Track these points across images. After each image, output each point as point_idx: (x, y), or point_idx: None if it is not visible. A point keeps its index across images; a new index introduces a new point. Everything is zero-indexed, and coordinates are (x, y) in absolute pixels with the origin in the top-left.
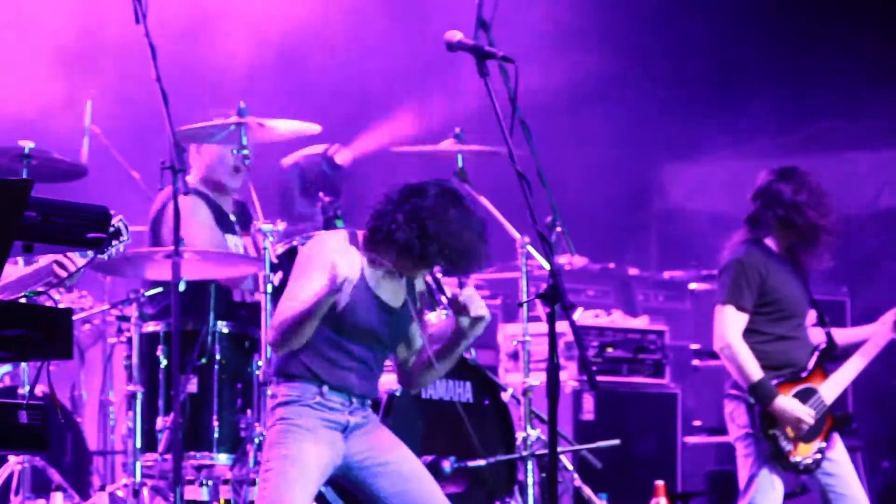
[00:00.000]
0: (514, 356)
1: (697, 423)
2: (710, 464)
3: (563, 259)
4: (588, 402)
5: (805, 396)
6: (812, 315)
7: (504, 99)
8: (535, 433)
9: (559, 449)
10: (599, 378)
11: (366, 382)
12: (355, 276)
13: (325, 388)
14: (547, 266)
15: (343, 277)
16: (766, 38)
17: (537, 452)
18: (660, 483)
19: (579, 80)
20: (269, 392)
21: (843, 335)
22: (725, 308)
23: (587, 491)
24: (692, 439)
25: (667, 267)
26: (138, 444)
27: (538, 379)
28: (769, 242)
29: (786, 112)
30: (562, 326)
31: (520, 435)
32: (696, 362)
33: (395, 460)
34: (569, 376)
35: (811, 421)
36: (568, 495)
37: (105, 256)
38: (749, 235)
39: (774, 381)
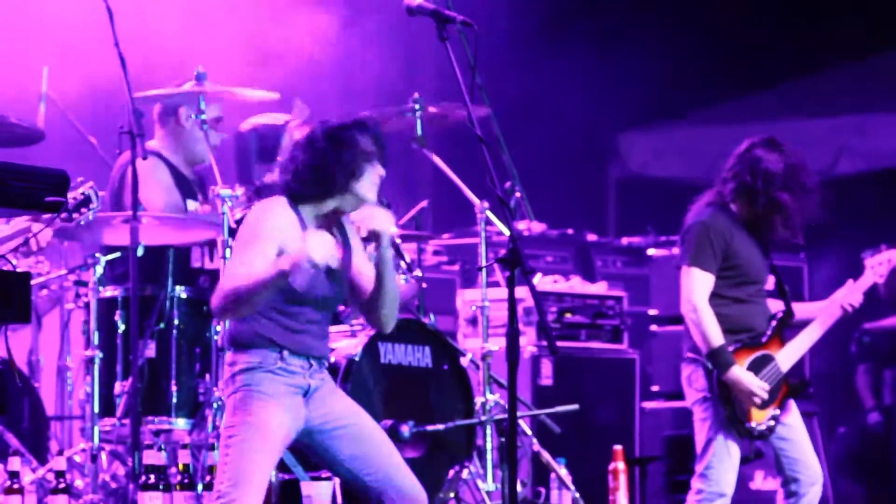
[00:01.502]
0: (473, 321)
1: (655, 388)
2: (668, 429)
3: (521, 225)
4: (546, 367)
5: (762, 363)
6: (771, 282)
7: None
8: (494, 398)
9: (518, 414)
10: (557, 343)
11: (321, 342)
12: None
13: (286, 353)
14: (506, 231)
15: (317, 260)
16: (722, 7)
17: (496, 417)
18: (618, 448)
19: (537, 46)
20: (227, 358)
21: (798, 309)
22: (692, 270)
23: (546, 456)
24: (650, 404)
25: (625, 233)
26: (96, 409)
27: (497, 344)
28: (734, 207)
29: (742, 78)
30: (520, 292)
31: (478, 400)
32: (654, 328)
33: (353, 423)
34: (527, 342)
35: (764, 395)
36: (526, 460)
37: (73, 224)
38: (715, 198)
39: (732, 347)
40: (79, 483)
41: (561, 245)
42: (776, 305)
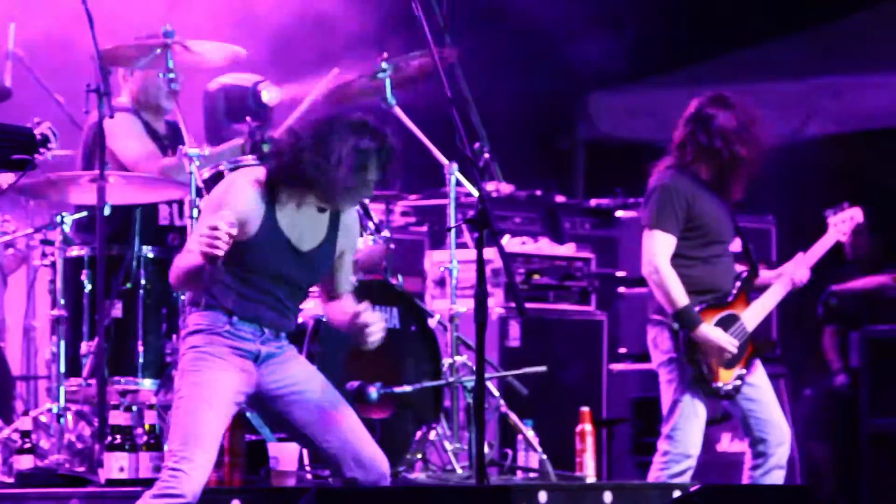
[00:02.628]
0: (441, 283)
1: (623, 350)
2: (635, 390)
3: (489, 186)
4: (514, 328)
5: (728, 323)
6: (737, 245)
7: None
8: (462, 360)
9: (485, 375)
10: (525, 305)
11: (277, 315)
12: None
13: (235, 318)
14: (475, 192)
15: (227, 231)
16: None
17: (463, 379)
18: (585, 409)
19: (506, 7)
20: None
21: (765, 275)
22: (653, 233)
23: (513, 417)
24: (617, 366)
25: (593, 195)
26: (62, 369)
27: (465, 306)
28: (696, 169)
29: (713, 39)
30: (488, 254)
31: (446, 361)
32: (622, 290)
33: (308, 390)
34: (495, 303)
35: (734, 350)
36: (493, 421)
37: (35, 166)
38: (676, 161)
39: (698, 307)
40: (44, 443)
41: (529, 206)
42: (743, 267)
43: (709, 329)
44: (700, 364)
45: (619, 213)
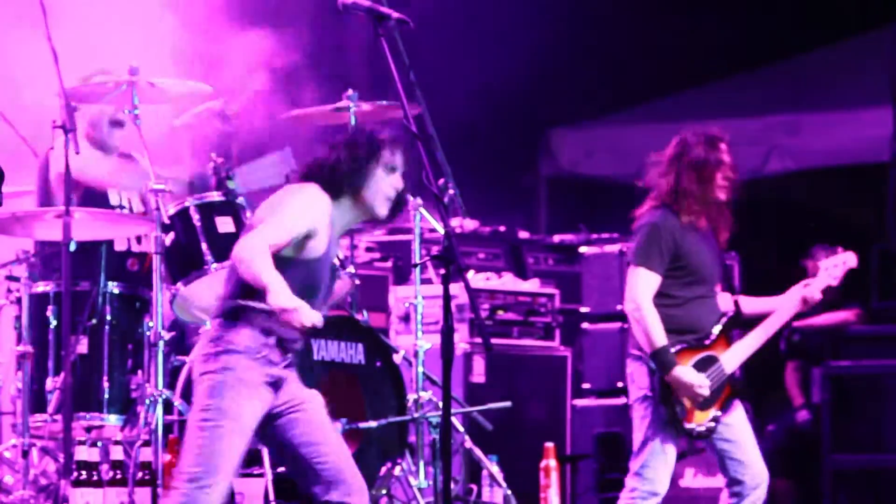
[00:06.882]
0: (406, 318)
1: (587, 385)
2: (599, 426)
3: (454, 222)
4: (479, 364)
5: (706, 364)
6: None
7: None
8: (427, 395)
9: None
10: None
11: (303, 336)
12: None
13: (272, 340)
14: (440, 228)
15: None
16: (654, 4)
17: (428, 414)
18: (549, 445)
19: (468, 44)
20: (211, 333)
21: (749, 304)
22: (638, 270)
23: (477, 453)
24: (581, 402)
25: (556, 231)
26: (27, 405)
27: (429, 341)
28: (679, 209)
29: (672, 76)
30: (453, 289)
31: (411, 397)
32: (585, 325)
33: (311, 407)
34: (460, 338)
35: (706, 392)
36: (458, 457)
37: None
38: (663, 200)
39: (677, 347)
40: (9, 479)
41: (493, 242)
42: (727, 303)
43: (682, 372)
44: (674, 405)
45: (582, 249)
